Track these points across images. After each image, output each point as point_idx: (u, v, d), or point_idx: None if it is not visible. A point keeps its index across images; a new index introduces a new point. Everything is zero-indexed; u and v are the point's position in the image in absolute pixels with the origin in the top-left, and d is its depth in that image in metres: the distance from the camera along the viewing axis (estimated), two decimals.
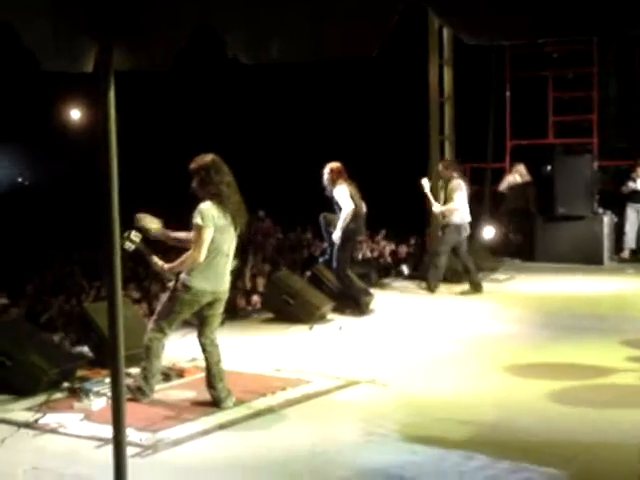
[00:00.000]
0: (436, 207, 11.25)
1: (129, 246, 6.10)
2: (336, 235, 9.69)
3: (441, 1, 3.30)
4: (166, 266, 6.24)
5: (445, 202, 11.20)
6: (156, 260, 6.29)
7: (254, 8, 3.60)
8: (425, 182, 11.33)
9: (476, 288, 11.20)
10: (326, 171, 9.77)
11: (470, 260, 11.35)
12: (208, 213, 6.01)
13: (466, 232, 11.32)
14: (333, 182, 9.70)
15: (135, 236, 6.15)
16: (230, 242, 6.17)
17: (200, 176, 6.12)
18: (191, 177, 6.17)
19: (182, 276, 6.12)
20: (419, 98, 14.26)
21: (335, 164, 9.79)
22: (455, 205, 11.07)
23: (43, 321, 8.72)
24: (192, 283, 6.09)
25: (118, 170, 3.97)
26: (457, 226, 11.16)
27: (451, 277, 11.85)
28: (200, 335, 6.30)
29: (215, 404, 6.20)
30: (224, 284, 6.24)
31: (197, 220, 6.01)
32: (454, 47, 13.54)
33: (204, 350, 6.28)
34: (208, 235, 6.00)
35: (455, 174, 11.35)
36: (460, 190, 11.13)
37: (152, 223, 6.37)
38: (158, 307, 6.45)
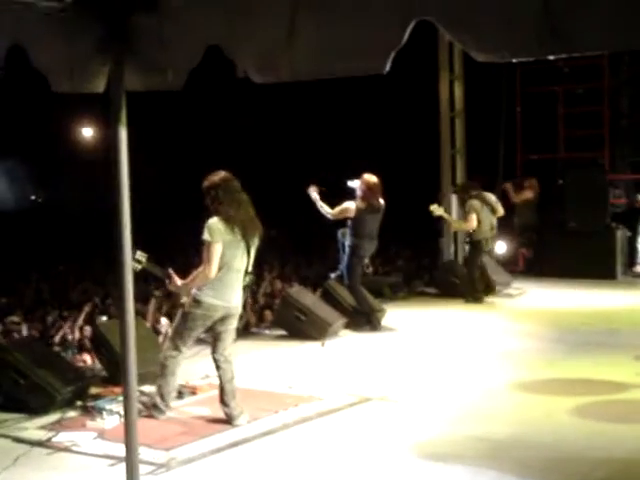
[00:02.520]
0: (455, 224, 11.61)
1: (135, 267, 6.08)
2: (324, 210, 9.81)
3: (451, 19, 3.31)
4: (179, 283, 6.27)
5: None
6: (172, 278, 6.31)
7: (265, 28, 3.62)
8: (435, 208, 11.50)
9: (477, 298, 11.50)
10: (360, 182, 9.82)
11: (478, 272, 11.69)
12: (215, 228, 6.06)
13: (487, 247, 11.76)
14: (362, 194, 9.76)
15: (141, 256, 6.16)
16: (241, 257, 6.19)
17: (210, 195, 6.19)
18: (203, 195, 6.22)
19: (193, 291, 6.16)
20: (430, 113, 14.29)
21: (367, 176, 9.83)
22: (468, 226, 11.43)
23: (58, 340, 8.72)
24: (203, 298, 6.12)
25: (130, 188, 3.99)
26: (477, 242, 11.52)
27: (463, 292, 11.86)
28: (214, 352, 6.31)
29: (228, 421, 6.19)
30: (236, 299, 6.25)
31: (205, 236, 6.07)
32: (464, 62, 13.57)
33: (218, 367, 6.29)
34: (217, 250, 6.04)
35: (471, 195, 11.56)
36: (473, 211, 11.44)
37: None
38: (172, 325, 6.47)
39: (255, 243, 6.29)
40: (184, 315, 6.24)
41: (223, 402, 6.24)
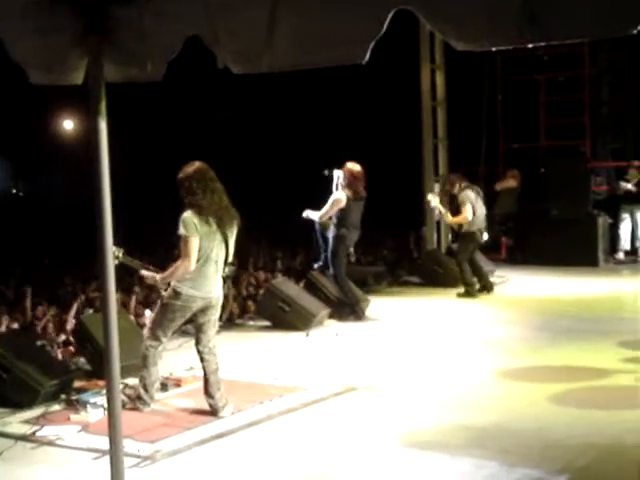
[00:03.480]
0: (450, 219, 11.42)
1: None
2: (313, 215, 9.80)
3: (430, 8, 3.31)
4: (158, 277, 6.29)
5: (455, 215, 11.41)
6: (147, 272, 6.36)
7: (244, 19, 3.60)
8: (431, 197, 11.46)
9: (471, 292, 11.33)
10: (343, 171, 9.81)
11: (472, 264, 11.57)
12: (189, 221, 6.05)
13: (482, 239, 11.61)
14: (345, 183, 9.75)
15: (117, 250, 6.14)
16: (218, 248, 6.19)
17: (184, 186, 6.17)
18: (178, 186, 6.21)
19: (173, 283, 6.17)
20: (412, 103, 14.30)
21: (351, 165, 9.82)
22: (465, 217, 11.27)
23: (41, 332, 8.68)
24: (182, 289, 6.13)
25: (111, 180, 3.97)
26: (471, 233, 11.39)
27: (447, 281, 11.91)
28: (197, 343, 6.32)
29: (213, 413, 6.20)
30: (215, 290, 6.25)
31: (181, 231, 6.07)
32: (445, 52, 13.59)
33: (202, 359, 6.29)
34: (194, 243, 6.04)
35: (461, 187, 11.46)
36: (468, 202, 11.31)
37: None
38: (152, 316, 6.47)
39: (233, 233, 6.29)
40: (163, 306, 6.26)
41: (207, 394, 6.24)
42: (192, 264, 6.05)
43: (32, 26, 3.77)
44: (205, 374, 6.27)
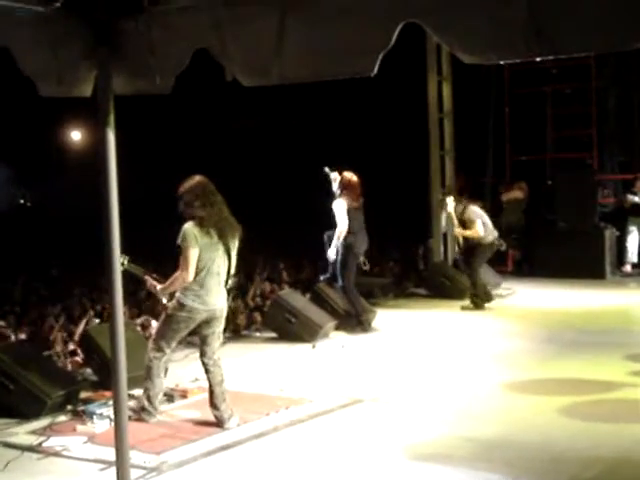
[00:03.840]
0: (462, 231, 11.34)
1: None
2: (331, 252, 9.73)
3: (438, 21, 3.32)
4: (159, 287, 6.34)
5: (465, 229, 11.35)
6: (150, 281, 6.40)
7: (253, 30, 3.62)
8: (449, 200, 11.41)
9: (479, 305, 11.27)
10: (339, 177, 9.82)
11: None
12: (190, 232, 6.08)
13: (501, 246, 11.66)
14: (340, 191, 9.76)
15: (122, 258, 6.16)
16: (220, 260, 6.20)
17: (184, 199, 6.22)
18: (178, 200, 6.26)
19: (177, 294, 6.20)
20: (419, 115, 14.31)
21: (348, 175, 9.83)
22: (477, 231, 11.20)
23: (49, 343, 8.69)
24: (186, 301, 6.15)
25: (119, 191, 3.99)
26: (490, 244, 11.39)
27: (453, 293, 11.91)
28: (202, 355, 6.32)
29: (219, 424, 6.19)
30: (218, 302, 6.26)
31: (180, 241, 6.11)
32: (452, 64, 13.61)
33: (207, 370, 6.29)
34: (193, 254, 6.07)
35: (464, 203, 11.45)
36: (477, 218, 11.26)
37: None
38: (156, 327, 6.49)
39: (234, 244, 6.30)
40: (167, 317, 6.28)
41: (213, 405, 6.24)
42: (190, 275, 6.08)
43: (42, 39, 3.80)
44: (210, 386, 6.28)
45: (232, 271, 6.34)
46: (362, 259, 10.15)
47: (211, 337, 6.30)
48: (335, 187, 9.85)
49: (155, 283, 6.37)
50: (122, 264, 6.09)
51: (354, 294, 10.00)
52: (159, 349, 6.28)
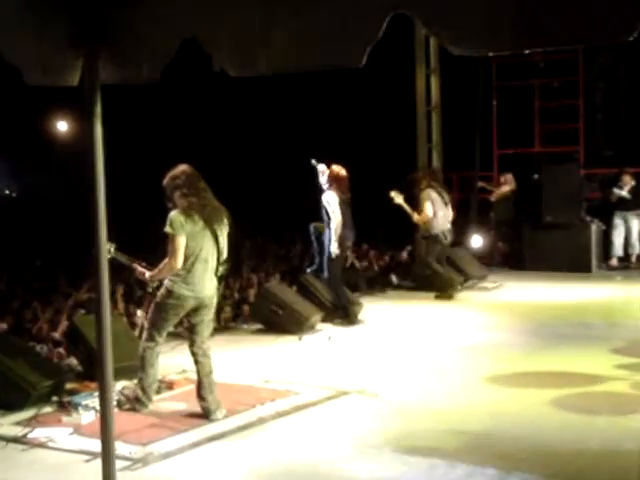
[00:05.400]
0: (415, 216, 11.36)
1: None
2: (333, 247, 9.68)
3: (427, 12, 3.31)
4: (147, 274, 6.35)
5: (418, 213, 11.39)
6: (138, 268, 6.40)
7: (240, 20, 3.60)
8: (395, 194, 11.35)
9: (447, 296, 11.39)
10: (325, 173, 9.81)
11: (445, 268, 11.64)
12: (176, 220, 6.09)
13: (446, 240, 11.48)
14: (329, 184, 9.74)
15: (109, 245, 6.15)
16: (208, 247, 6.21)
17: (170, 188, 6.22)
18: (163, 191, 6.26)
19: (165, 282, 6.21)
20: (406, 107, 14.31)
21: (337, 168, 9.82)
22: (425, 214, 11.22)
23: (33, 333, 8.67)
24: (174, 288, 6.17)
25: (105, 182, 3.97)
26: (434, 236, 11.38)
27: (439, 286, 11.92)
28: (191, 345, 6.32)
29: (205, 416, 6.19)
30: (207, 289, 6.26)
31: (167, 229, 6.11)
32: (440, 57, 13.62)
33: (196, 361, 6.29)
34: (180, 242, 6.08)
35: (426, 184, 11.40)
36: (428, 200, 11.28)
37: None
38: (147, 316, 6.50)
39: (222, 230, 6.30)
40: (157, 305, 6.29)
41: (200, 396, 6.23)
42: (178, 262, 6.09)
43: (27, 27, 3.76)
44: (198, 376, 6.27)
45: (223, 258, 6.34)
46: (348, 252, 10.15)
47: (200, 325, 6.30)
48: (323, 180, 9.83)
49: (144, 270, 6.38)
50: (109, 251, 6.09)
51: (339, 286, 10.00)
52: (151, 338, 6.29)
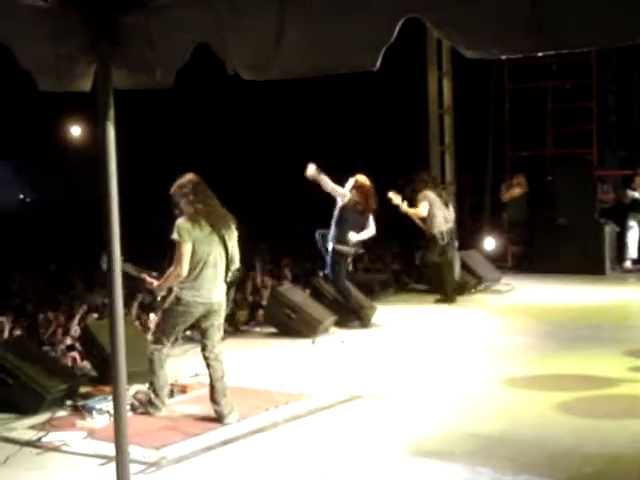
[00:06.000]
0: (406, 208, 11.30)
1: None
2: (352, 235, 9.77)
3: (439, 16, 3.31)
4: (155, 283, 6.36)
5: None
6: (147, 278, 6.41)
7: (253, 25, 3.61)
8: (393, 194, 11.31)
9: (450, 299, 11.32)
10: (352, 181, 9.83)
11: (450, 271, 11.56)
12: (183, 226, 6.13)
13: (443, 240, 11.42)
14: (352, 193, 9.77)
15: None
16: (216, 253, 6.23)
17: (177, 196, 6.27)
18: (171, 199, 6.30)
19: (175, 289, 6.23)
20: (419, 110, 14.30)
21: (363, 180, 9.83)
22: (417, 212, 11.21)
23: (47, 337, 8.69)
24: (183, 295, 6.19)
25: (119, 187, 3.98)
26: (432, 237, 11.33)
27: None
28: (203, 349, 6.35)
29: (218, 420, 6.19)
30: (216, 295, 6.28)
31: (174, 236, 6.15)
32: (453, 59, 13.59)
33: (208, 365, 6.31)
34: (187, 249, 6.10)
35: (422, 187, 11.40)
36: (425, 200, 11.26)
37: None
38: (156, 321, 6.53)
39: (230, 235, 6.32)
40: (165, 312, 6.33)
41: (213, 400, 6.24)
42: (184, 269, 6.11)
43: (41, 33, 3.78)
44: (211, 380, 6.28)
45: (234, 264, 6.37)
46: (350, 257, 10.15)
47: (211, 330, 6.32)
48: (348, 187, 9.84)
49: (152, 280, 6.39)
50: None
51: (345, 288, 9.98)
52: (158, 341, 6.33)
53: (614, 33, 3.27)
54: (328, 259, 9.93)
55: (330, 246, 9.84)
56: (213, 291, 6.25)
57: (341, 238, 9.82)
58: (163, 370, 6.36)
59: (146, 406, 6.34)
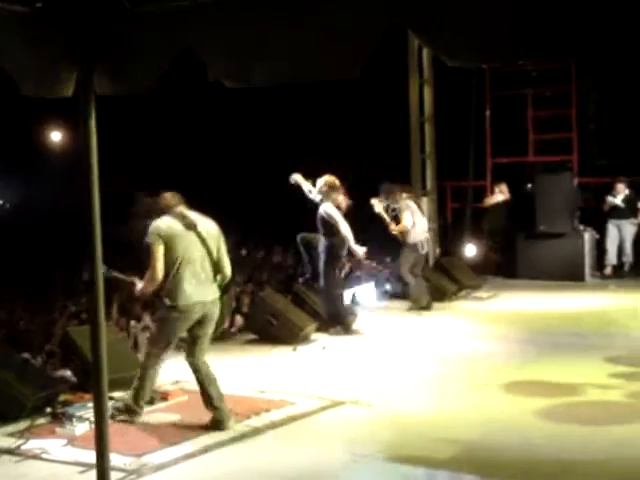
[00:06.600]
0: (393, 227, 11.33)
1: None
2: (357, 247, 9.80)
3: (423, 25, 3.32)
4: (137, 288, 6.33)
5: (397, 223, 11.35)
6: (132, 282, 6.40)
7: (235, 32, 3.61)
8: (374, 202, 11.34)
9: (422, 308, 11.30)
10: (321, 182, 9.83)
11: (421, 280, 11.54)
12: (153, 229, 6.08)
13: (423, 250, 11.45)
14: (326, 195, 9.78)
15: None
16: (195, 251, 6.13)
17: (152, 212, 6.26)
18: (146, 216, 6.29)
19: (165, 299, 6.14)
20: (400, 117, 14.31)
21: (331, 178, 9.85)
22: (404, 225, 11.20)
23: (27, 344, 8.63)
24: (175, 302, 6.09)
25: (99, 192, 3.97)
26: (411, 245, 11.30)
27: (435, 295, 11.91)
28: (189, 355, 6.28)
29: (215, 426, 6.11)
30: (209, 294, 6.20)
31: (146, 240, 6.09)
32: (434, 66, 13.63)
33: (196, 370, 6.22)
34: (158, 250, 6.03)
35: (403, 197, 11.42)
36: (407, 210, 11.29)
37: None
38: (152, 332, 6.45)
39: (212, 236, 6.24)
40: (162, 322, 6.25)
41: (212, 406, 6.16)
42: (158, 271, 6.03)
43: (23, 39, 3.77)
44: (204, 386, 6.19)
45: (224, 267, 6.27)
46: (344, 260, 10.17)
47: (202, 338, 6.26)
48: (314, 193, 9.86)
49: (137, 284, 6.36)
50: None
51: (336, 296, 10.00)
52: (155, 354, 6.22)
53: (595, 43, 3.29)
54: (321, 264, 9.90)
55: (322, 254, 9.81)
56: (205, 290, 6.15)
57: (334, 249, 9.81)
58: (152, 382, 6.30)
59: (125, 413, 6.28)
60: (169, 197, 6.27)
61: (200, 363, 6.25)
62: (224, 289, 6.36)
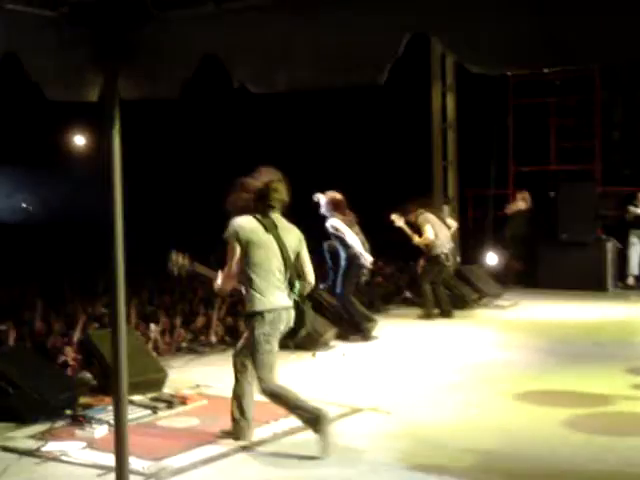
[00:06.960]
0: (416, 239, 11.35)
1: (172, 267, 6.05)
2: (366, 258, 9.83)
3: (448, 33, 3.32)
4: (216, 283, 6.02)
5: (420, 235, 11.38)
6: (214, 276, 6.06)
7: (261, 38, 3.62)
8: (395, 217, 11.35)
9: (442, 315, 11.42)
10: (323, 202, 9.86)
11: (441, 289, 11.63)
12: (233, 224, 5.82)
13: (448, 262, 11.54)
14: (330, 211, 9.80)
15: (176, 255, 6.06)
16: (271, 256, 5.82)
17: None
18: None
19: (249, 318, 5.85)
20: (422, 125, 14.31)
21: (332, 195, 9.86)
22: (427, 237, 11.24)
23: (48, 347, 8.67)
24: (258, 308, 5.78)
25: (124, 197, 3.98)
26: (435, 256, 11.35)
27: (454, 302, 11.88)
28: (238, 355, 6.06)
29: (237, 436, 6.01)
30: (283, 301, 5.88)
31: (224, 235, 5.85)
32: (457, 74, 13.62)
33: (241, 379, 6.04)
34: (234, 248, 5.78)
35: (421, 211, 11.46)
36: (427, 223, 11.32)
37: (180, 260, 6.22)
38: (252, 359, 5.99)
39: (291, 239, 5.95)
40: (254, 344, 5.87)
41: (244, 416, 6.01)
42: (231, 266, 5.79)
43: (49, 43, 3.80)
44: (242, 395, 6.04)
45: (308, 273, 6.05)
46: (364, 270, 10.16)
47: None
48: (323, 209, 9.88)
49: (217, 280, 6.00)
50: (181, 266, 5.99)
51: (352, 304, 10.00)
52: (261, 380, 5.95)
53: (621, 50, 3.27)
54: (340, 272, 9.93)
55: (342, 264, 9.84)
56: (277, 296, 5.82)
57: (355, 259, 9.82)
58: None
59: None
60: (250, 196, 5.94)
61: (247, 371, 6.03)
62: (300, 295, 6.05)
